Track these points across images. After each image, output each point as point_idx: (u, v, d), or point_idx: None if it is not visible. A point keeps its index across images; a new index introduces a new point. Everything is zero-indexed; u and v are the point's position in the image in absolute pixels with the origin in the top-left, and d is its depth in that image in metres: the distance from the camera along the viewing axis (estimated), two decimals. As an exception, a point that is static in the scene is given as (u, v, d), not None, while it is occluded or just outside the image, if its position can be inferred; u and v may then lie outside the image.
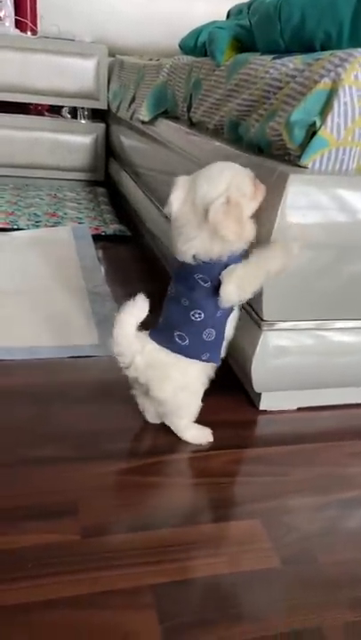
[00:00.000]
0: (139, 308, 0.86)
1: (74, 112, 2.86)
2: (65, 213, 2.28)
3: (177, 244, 0.86)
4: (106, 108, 2.74)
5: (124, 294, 1.56)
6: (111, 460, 0.89)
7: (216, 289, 0.85)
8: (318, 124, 0.85)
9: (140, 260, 1.91)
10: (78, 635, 0.61)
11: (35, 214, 2.22)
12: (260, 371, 0.99)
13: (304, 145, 0.87)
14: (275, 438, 1.00)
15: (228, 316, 0.91)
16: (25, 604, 0.64)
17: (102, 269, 1.75)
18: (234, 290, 0.84)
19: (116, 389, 1.01)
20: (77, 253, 1.86)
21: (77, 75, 2.65)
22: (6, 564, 0.69)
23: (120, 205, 2.53)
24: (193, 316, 0.88)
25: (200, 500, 0.85)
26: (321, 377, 1.06)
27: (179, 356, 0.89)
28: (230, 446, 0.96)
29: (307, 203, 0.87)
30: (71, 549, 0.72)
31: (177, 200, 0.84)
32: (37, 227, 2.08)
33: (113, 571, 0.69)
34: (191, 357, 0.89)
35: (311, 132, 0.87)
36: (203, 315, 0.87)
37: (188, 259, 0.85)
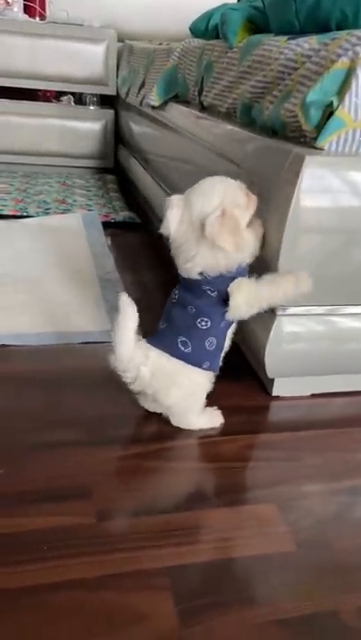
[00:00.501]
0: (130, 314, 0.84)
1: (79, 100, 2.83)
2: (74, 201, 2.27)
3: (178, 263, 0.87)
4: (115, 93, 2.72)
5: (134, 281, 1.57)
6: (123, 445, 0.89)
7: (223, 300, 0.86)
8: (336, 104, 0.83)
9: (150, 247, 1.90)
10: (94, 616, 0.61)
11: (44, 202, 2.21)
12: (274, 356, 0.98)
13: (320, 126, 0.86)
14: (287, 424, 1.00)
15: (230, 327, 0.91)
16: (40, 585, 0.64)
17: (112, 256, 1.75)
18: (243, 304, 0.85)
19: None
20: (87, 240, 1.86)
21: (86, 60, 2.63)
22: (21, 546, 0.69)
23: (129, 193, 2.52)
24: (200, 323, 0.87)
25: (214, 484, 0.85)
26: (334, 363, 1.05)
27: (182, 362, 0.88)
28: (243, 432, 0.96)
29: (323, 186, 0.86)
30: (85, 532, 0.72)
31: (173, 219, 0.85)
32: (47, 214, 2.07)
33: (127, 553, 0.69)
34: (193, 365, 0.88)
35: (328, 113, 0.85)
36: (209, 323, 0.87)
37: (194, 275, 0.86)
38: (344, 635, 0.62)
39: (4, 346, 1.17)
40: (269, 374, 1.03)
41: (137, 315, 0.84)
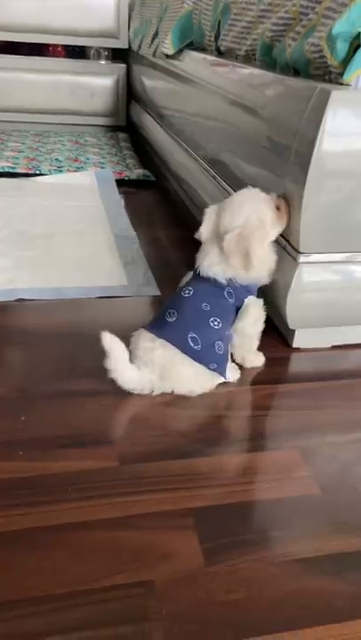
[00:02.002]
0: (119, 351, 0.83)
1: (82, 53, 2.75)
2: (87, 159, 2.23)
3: (204, 264, 0.90)
4: (127, 46, 2.63)
5: (149, 238, 1.54)
6: (145, 394, 0.88)
7: (236, 308, 0.91)
8: (364, 35, 0.79)
9: (165, 204, 1.87)
10: (117, 553, 0.62)
11: (57, 160, 2.18)
12: (295, 305, 0.96)
13: (347, 60, 0.82)
14: (309, 375, 0.99)
15: (231, 339, 0.92)
16: (67, 524, 0.65)
17: (127, 213, 1.72)
18: (253, 319, 0.92)
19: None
20: (101, 198, 1.83)
21: (96, 12, 2.55)
22: (45, 488, 0.69)
23: (142, 150, 2.47)
24: (212, 322, 0.87)
25: (236, 431, 0.84)
26: (355, 313, 1.03)
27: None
28: (265, 382, 0.95)
29: (350, 125, 0.82)
30: (110, 475, 0.72)
31: (206, 229, 0.91)
32: (60, 172, 2.04)
33: (151, 495, 0.69)
34: (200, 362, 0.86)
35: (355, 46, 0.81)
36: (221, 324, 0.88)
37: (220, 278, 0.89)
38: (369, 573, 0.62)
39: (21, 300, 1.16)
40: (291, 325, 1.01)
41: (123, 346, 0.84)
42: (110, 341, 0.83)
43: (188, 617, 0.55)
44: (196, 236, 0.92)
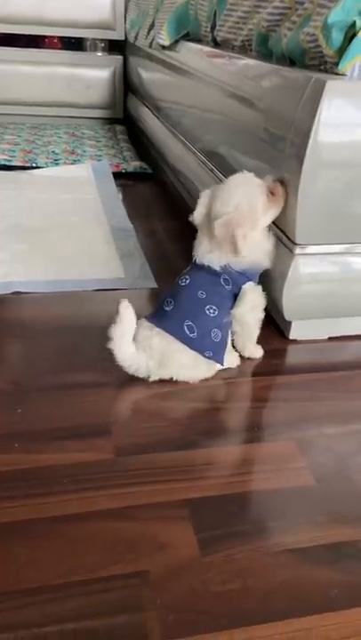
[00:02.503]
0: (129, 319, 0.84)
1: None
2: (84, 151, 2.22)
3: (199, 251, 0.90)
4: (123, 38, 2.61)
5: (146, 230, 1.54)
6: (142, 386, 0.89)
7: (234, 294, 0.90)
8: (359, 24, 0.78)
9: (162, 197, 1.86)
10: (113, 544, 0.62)
11: (53, 152, 2.17)
12: (292, 297, 0.96)
13: (343, 49, 0.81)
14: (305, 366, 0.99)
15: (229, 327, 0.92)
16: (63, 515, 0.65)
17: (124, 206, 1.71)
18: (250, 305, 0.92)
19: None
20: (98, 190, 1.82)
21: (93, 3, 2.52)
22: (41, 480, 0.70)
23: (140, 143, 2.46)
24: (208, 310, 0.87)
25: (232, 422, 0.84)
26: (351, 304, 1.03)
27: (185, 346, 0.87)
28: (261, 373, 0.95)
29: (345, 115, 0.82)
30: (106, 467, 0.72)
31: (199, 214, 0.90)
32: (56, 165, 2.03)
33: (147, 486, 0.70)
34: (196, 350, 0.86)
35: (351, 35, 0.80)
36: (217, 312, 0.87)
37: (215, 266, 0.89)
38: (363, 563, 0.62)
39: (18, 293, 1.16)
40: (287, 316, 1.01)
41: (135, 321, 0.85)
42: (125, 309, 0.83)
43: (184, 606, 0.56)
44: (190, 219, 0.91)
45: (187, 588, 0.58)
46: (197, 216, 0.90)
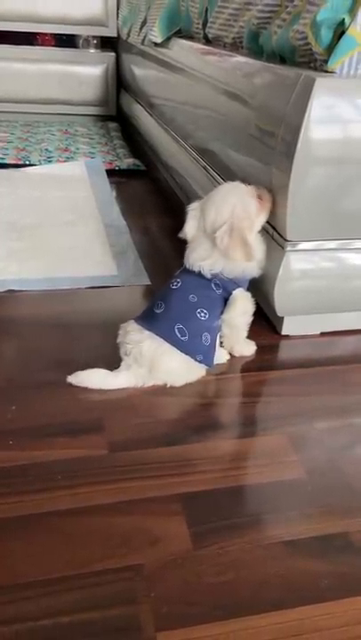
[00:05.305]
0: (89, 377, 0.87)
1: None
2: (77, 149, 2.22)
3: (192, 258, 0.90)
4: (115, 35, 2.61)
5: (139, 227, 1.54)
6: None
7: (224, 299, 0.91)
8: (347, 21, 0.79)
9: (155, 194, 1.86)
10: (108, 539, 0.63)
11: (46, 150, 2.16)
12: (283, 293, 0.97)
13: (332, 47, 0.82)
14: (298, 361, 1.00)
15: (218, 331, 0.92)
16: (55, 511, 0.66)
17: (117, 203, 1.72)
18: (241, 310, 0.93)
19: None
20: (91, 187, 1.83)
21: (85, 0, 2.51)
22: (36, 476, 0.70)
23: (133, 140, 2.46)
24: (199, 313, 0.88)
25: (225, 417, 0.85)
26: (343, 300, 1.03)
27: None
28: (254, 369, 0.96)
29: (335, 112, 0.83)
30: (99, 462, 0.73)
31: (190, 228, 0.91)
32: (50, 162, 2.03)
33: (140, 481, 0.70)
34: (187, 353, 0.87)
35: (339, 32, 0.81)
36: (208, 315, 0.88)
37: (207, 273, 0.89)
38: (352, 554, 0.63)
39: (11, 291, 1.16)
40: (279, 312, 1.02)
41: (92, 371, 0.87)
42: (79, 380, 0.86)
43: (177, 598, 0.57)
44: (181, 235, 0.92)
45: (180, 580, 0.58)
46: (189, 230, 0.91)
